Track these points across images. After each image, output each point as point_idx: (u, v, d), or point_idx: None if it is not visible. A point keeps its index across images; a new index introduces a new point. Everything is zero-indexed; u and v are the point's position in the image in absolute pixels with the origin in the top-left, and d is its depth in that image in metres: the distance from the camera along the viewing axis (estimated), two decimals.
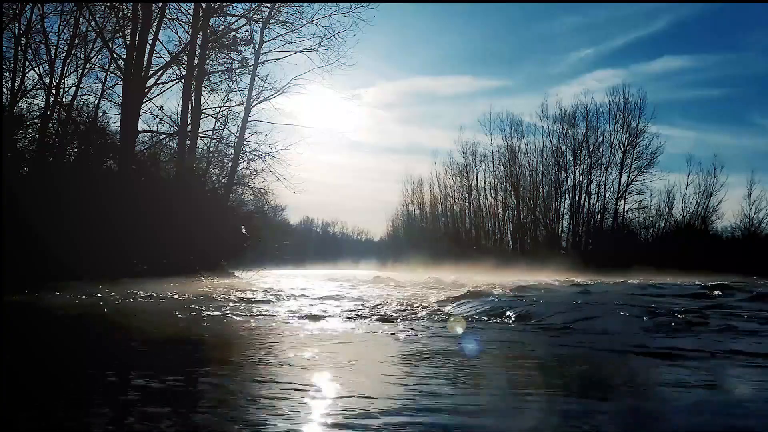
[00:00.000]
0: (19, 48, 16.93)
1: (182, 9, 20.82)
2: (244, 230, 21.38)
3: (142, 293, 10.61)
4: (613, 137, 45.53)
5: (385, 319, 7.25)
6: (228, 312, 7.95)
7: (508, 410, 3.13)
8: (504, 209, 51.02)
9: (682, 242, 40.22)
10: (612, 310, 8.19)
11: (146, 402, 3.20)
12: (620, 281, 20.94)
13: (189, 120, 20.63)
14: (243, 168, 23.35)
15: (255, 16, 21.58)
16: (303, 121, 38.15)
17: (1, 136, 13.58)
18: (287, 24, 21.83)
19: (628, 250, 38.78)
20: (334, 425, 2.71)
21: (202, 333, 6.28)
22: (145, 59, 19.06)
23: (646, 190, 44.68)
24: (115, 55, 19.41)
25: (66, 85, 18.09)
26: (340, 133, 45.95)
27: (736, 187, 68.52)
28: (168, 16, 20.28)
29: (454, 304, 9.01)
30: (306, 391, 3.39)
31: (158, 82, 20.20)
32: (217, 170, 24.93)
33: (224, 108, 22.60)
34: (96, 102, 19.44)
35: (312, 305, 9.28)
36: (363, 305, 9.24)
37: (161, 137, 21.74)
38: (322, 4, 21.19)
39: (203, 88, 21.26)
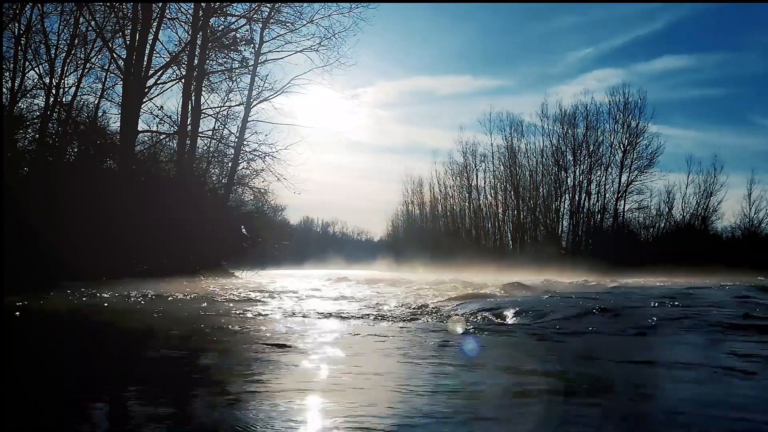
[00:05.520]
0: (19, 48, 16.93)
1: (182, 9, 20.87)
2: (244, 230, 21.39)
3: (142, 293, 10.61)
4: (613, 137, 45.56)
5: (384, 319, 7.25)
6: (228, 312, 7.95)
7: (508, 413, 3.13)
8: (504, 209, 51.02)
9: (682, 242, 40.20)
10: (612, 309, 8.19)
11: (146, 402, 3.20)
12: (622, 282, 20.94)
13: (189, 120, 20.64)
14: (243, 168, 23.41)
15: (255, 16, 21.62)
16: (303, 121, 38.24)
17: (1, 136, 13.57)
18: (287, 24, 21.88)
19: (628, 250, 38.78)
20: (331, 429, 2.72)
21: (202, 333, 6.28)
22: (145, 59, 19.08)
23: (646, 190, 44.72)
24: (115, 55, 19.44)
25: (66, 85, 18.12)
26: (340, 133, 46.05)
27: (736, 187, 68.59)
28: (168, 16, 20.33)
29: (453, 304, 9.01)
30: (302, 393, 3.39)
31: (158, 82, 20.24)
32: (217, 170, 25.00)
33: (224, 108, 22.65)
34: (96, 102, 19.49)
35: (311, 305, 9.28)
36: (362, 305, 9.25)
37: (161, 137, 21.78)
38: (322, 4, 21.25)
39: (203, 88, 21.29)
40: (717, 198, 44.10)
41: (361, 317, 7.42)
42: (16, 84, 16.77)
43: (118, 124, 19.06)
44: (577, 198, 46.26)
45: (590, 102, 48.49)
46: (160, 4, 19.66)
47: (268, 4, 21.50)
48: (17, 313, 7.58)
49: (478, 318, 7.44)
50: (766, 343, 5.43)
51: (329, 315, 7.70)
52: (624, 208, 45.30)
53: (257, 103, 22.25)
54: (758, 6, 55.81)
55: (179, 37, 21.34)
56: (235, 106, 22.61)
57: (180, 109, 20.62)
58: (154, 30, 19.55)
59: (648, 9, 70.76)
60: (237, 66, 22.22)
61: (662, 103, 72.92)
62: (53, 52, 17.66)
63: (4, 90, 16.20)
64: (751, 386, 3.70)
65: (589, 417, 2.97)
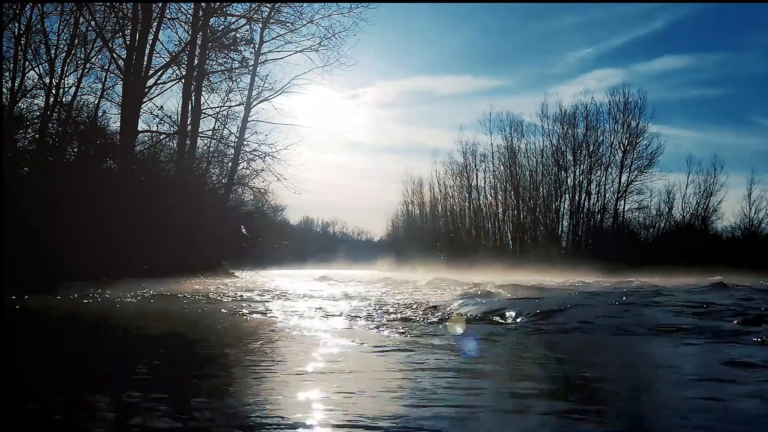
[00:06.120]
0: (19, 48, 16.93)
1: (182, 9, 20.86)
2: (244, 230, 21.39)
3: (141, 293, 10.61)
4: (613, 137, 45.49)
5: (384, 318, 7.25)
6: (227, 312, 7.96)
7: (507, 412, 3.13)
8: (504, 209, 50.98)
9: (682, 242, 40.18)
10: (612, 309, 8.20)
11: (145, 402, 3.20)
12: (620, 281, 20.94)
13: (189, 120, 20.63)
14: (243, 168, 23.40)
15: (255, 16, 21.61)
16: (303, 121, 38.26)
17: (1, 136, 13.57)
18: (287, 24, 21.86)
19: (628, 250, 38.76)
20: (333, 426, 2.72)
21: (201, 333, 6.29)
22: (145, 59, 19.08)
23: (646, 190, 44.62)
24: (115, 55, 19.43)
25: (66, 85, 18.10)
26: (340, 133, 46.08)
27: (736, 187, 68.57)
28: (168, 16, 20.31)
29: (453, 304, 9.01)
30: (302, 393, 3.39)
31: (158, 82, 20.23)
32: (217, 170, 24.98)
33: (224, 108, 22.63)
34: (96, 102, 19.47)
35: (311, 305, 9.28)
36: (362, 305, 9.24)
37: (161, 137, 21.77)
38: (322, 4, 21.23)
39: (203, 88, 21.27)
40: (717, 198, 44.10)
41: (361, 317, 7.42)
42: (16, 84, 16.77)
43: (118, 124, 19.08)
44: (577, 198, 46.27)
45: (590, 102, 48.32)
46: (160, 4, 19.66)
47: (268, 4, 21.51)
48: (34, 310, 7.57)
49: (478, 318, 7.44)
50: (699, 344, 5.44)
51: (329, 315, 7.70)
52: (624, 208, 45.31)
53: (257, 103, 22.27)
54: (758, 6, 55.79)
55: (179, 37, 21.36)
56: (235, 106, 22.64)
57: (180, 109, 20.63)
58: (154, 30, 19.57)
59: (648, 9, 70.77)
60: (237, 66, 22.24)
61: (662, 103, 72.91)
62: (53, 52, 17.68)
63: (4, 90, 16.21)
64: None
65: (586, 416, 2.97)
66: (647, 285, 17.15)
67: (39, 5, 17.18)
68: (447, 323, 6.87)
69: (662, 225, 45.23)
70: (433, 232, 55.12)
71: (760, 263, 30.35)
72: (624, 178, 44.80)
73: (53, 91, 17.41)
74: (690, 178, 44.52)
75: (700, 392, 3.54)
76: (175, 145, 21.44)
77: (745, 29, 68.73)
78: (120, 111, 18.92)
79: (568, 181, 46.78)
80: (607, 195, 45.53)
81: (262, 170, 22.40)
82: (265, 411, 2.96)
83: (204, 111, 21.63)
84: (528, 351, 5.22)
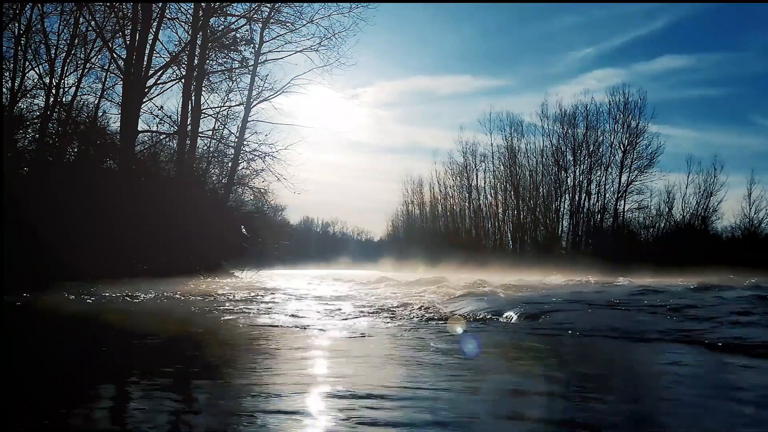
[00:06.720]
0: (19, 48, 16.91)
1: (182, 9, 20.83)
2: (244, 230, 21.38)
3: (141, 293, 10.61)
4: (613, 137, 45.47)
5: (384, 319, 7.25)
6: (227, 312, 7.96)
7: (507, 412, 3.13)
8: (504, 209, 50.96)
9: (682, 242, 40.17)
10: (611, 310, 8.20)
11: (145, 402, 3.21)
12: (619, 282, 20.94)
13: (189, 120, 20.61)
14: (243, 168, 23.36)
15: (255, 16, 21.59)
16: (303, 121, 38.21)
17: (1, 136, 13.56)
18: (287, 24, 21.84)
19: (628, 250, 38.75)
20: (332, 429, 2.72)
21: (201, 333, 6.29)
22: (145, 59, 19.07)
23: (646, 190, 44.60)
24: (115, 55, 19.41)
25: (66, 85, 18.06)
26: (339, 133, 46.00)
27: (736, 187, 68.48)
28: (168, 16, 20.29)
29: (454, 304, 9.01)
30: (301, 393, 3.40)
31: (158, 82, 20.21)
32: (217, 170, 24.95)
33: (224, 108, 22.61)
34: (96, 102, 19.43)
35: (311, 305, 9.28)
36: (362, 305, 9.25)
37: (161, 137, 21.75)
38: (322, 4, 21.20)
39: (203, 88, 21.25)
40: (717, 198, 44.06)
41: (363, 316, 7.42)
42: (16, 84, 16.75)
43: (118, 124, 19.05)
44: (577, 198, 46.25)
45: (590, 102, 48.33)
46: (160, 4, 19.65)
47: (268, 4, 21.49)
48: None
49: (478, 317, 7.44)
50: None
51: (328, 316, 7.70)
52: (624, 208, 45.27)
53: (257, 103, 22.25)
54: (758, 6, 55.69)
55: (179, 37, 21.33)
56: (235, 106, 22.61)
57: (180, 109, 20.61)
58: (154, 30, 19.55)
59: (648, 9, 70.52)
60: (237, 66, 22.21)
61: (662, 103, 72.70)
62: (53, 52, 17.66)
63: (4, 90, 16.18)
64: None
65: (584, 416, 2.98)
66: (646, 286, 17.14)
67: (39, 5, 17.17)
68: (447, 322, 6.87)
69: (662, 225, 45.23)
70: (433, 232, 55.10)
71: (760, 263, 30.32)
72: (624, 178, 44.81)
73: (53, 91, 17.41)
74: (690, 178, 44.53)
75: (695, 393, 3.54)
76: (175, 145, 21.42)
77: (745, 29, 68.59)
78: (120, 111, 18.91)
79: (568, 181, 46.79)
80: (607, 195, 45.54)
81: (262, 170, 22.39)
82: (264, 410, 2.96)
83: (204, 111, 21.62)
84: (527, 350, 5.22)
